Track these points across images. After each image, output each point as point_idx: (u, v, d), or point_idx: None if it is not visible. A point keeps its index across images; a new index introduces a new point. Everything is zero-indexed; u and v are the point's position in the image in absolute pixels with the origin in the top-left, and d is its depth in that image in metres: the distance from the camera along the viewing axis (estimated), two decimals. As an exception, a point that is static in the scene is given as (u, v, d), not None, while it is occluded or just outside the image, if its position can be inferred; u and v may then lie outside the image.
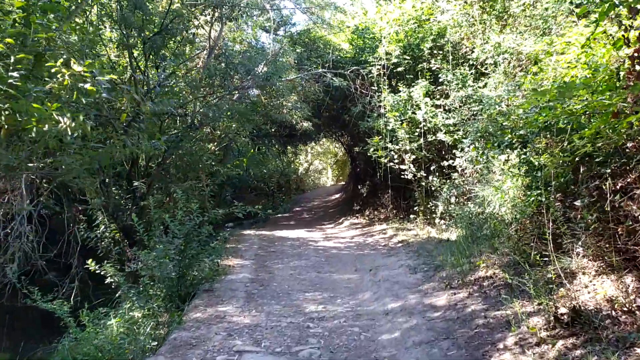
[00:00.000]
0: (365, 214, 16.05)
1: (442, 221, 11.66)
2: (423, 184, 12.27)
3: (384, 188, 15.82)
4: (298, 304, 6.59)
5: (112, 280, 7.24)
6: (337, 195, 23.77)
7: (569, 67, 6.21)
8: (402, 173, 12.42)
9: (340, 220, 16.30)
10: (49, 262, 9.78)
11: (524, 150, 6.29)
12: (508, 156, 7.18)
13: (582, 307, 4.37)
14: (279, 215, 19.89)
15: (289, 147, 22.66)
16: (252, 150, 18.43)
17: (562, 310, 4.45)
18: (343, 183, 28.15)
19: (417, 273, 7.18)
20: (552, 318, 4.39)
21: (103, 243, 10.46)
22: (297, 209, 22.03)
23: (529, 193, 6.33)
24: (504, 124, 7.21)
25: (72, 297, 9.87)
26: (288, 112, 12.87)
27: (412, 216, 13.07)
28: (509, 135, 6.13)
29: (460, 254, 7.36)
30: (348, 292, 7.11)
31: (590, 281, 4.97)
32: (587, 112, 4.67)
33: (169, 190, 9.92)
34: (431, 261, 7.67)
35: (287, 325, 5.66)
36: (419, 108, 12.28)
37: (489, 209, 7.52)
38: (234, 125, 11.61)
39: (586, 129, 4.67)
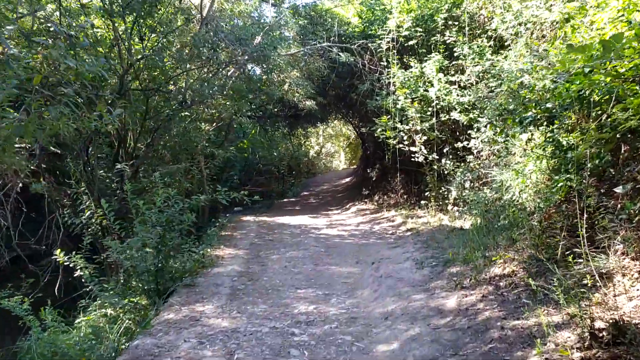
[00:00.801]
0: (374, 199, 15.17)
1: (455, 208, 10.76)
2: (435, 167, 11.34)
3: (394, 172, 14.91)
4: (287, 303, 5.78)
5: (81, 273, 6.51)
6: (348, 179, 22.89)
7: (606, 26, 5.21)
8: (413, 155, 11.50)
9: (347, 206, 15.44)
10: (27, 250, 9.11)
11: (551, 127, 5.35)
12: (531, 134, 6.23)
13: (626, 321, 3.48)
14: (285, 200, 19.11)
15: (299, 129, 21.72)
16: (253, 131, 17.60)
17: (600, 324, 3.57)
18: (354, 167, 27.23)
19: (424, 268, 6.31)
20: (587, 334, 3.50)
21: (89, 230, 9.75)
22: (305, 193, 21.21)
23: (556, 177, 5.41)
24: (526, 97, 6.26)
25: (56, 288, 9.24)
26: (289, 89, 11.95)
27: (423, 202, 12.17)
28: (533, 110, 5.19)
29: (474, 246, 6.47)
30: (345, 289, 6.28)
31: (632, 285, 4.07)
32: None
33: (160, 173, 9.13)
34: (441, 254, 6.79)
35: (270, 331, 4.85)
36: (432, 85, 11.30)
37: (507, 195, 6.60)
38: (228, 103, 10.76)
39: (633, 98, 3.73)
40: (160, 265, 6.45)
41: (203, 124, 11.37)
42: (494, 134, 9.84)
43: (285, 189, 22.13)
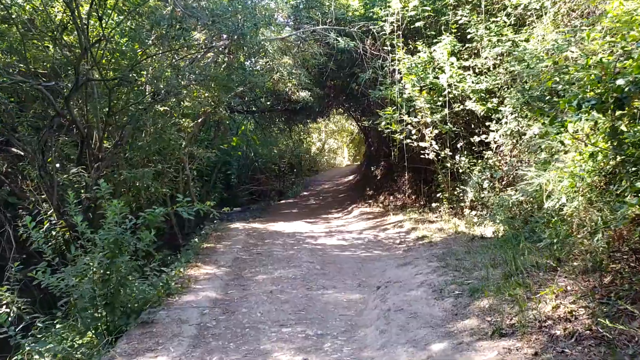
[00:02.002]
0: (379, 200, 13.77)
1: (473, 212, 9.35)
2: (448, 165, 9.91)
3: (400, 170, 13.48)
4: (267, 350, 4.40)
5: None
6: (351, 177, 21.46)
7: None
8: (423, 152, 10.08)
9: (350, 208, 14.03)
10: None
11: (619, 112, 3.92)
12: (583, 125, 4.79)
13: None
14: (283, 201, 17.74)
15: (297, 124, 20.26)
16: (242, 127, 16.21)
17: None
18: (358, 163, 25.79)
19: (444, 299, 4.90)
20: None
21: (50, 245, 8.37)
22: (305, 193, 19.81)
23: (622, 184, 4.00)
24: (576, 75, 4.84)
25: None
26: (280, 78, 10.54)
27: (434, 204, 10.76)
28: (598, 89, 3.75)
29: (507, 269, 5.07)
30: (343, 327, 4.88)
31: None
32: None
33: (124, 177, 7.75)
34: (465, 277, 5.37)
35: (235, 403, 3.46)
36: (443, 71, 9.87)
37: (549, 202, 5.18)
38: (206, 95, 9.38)
39: None
40: (108, 298, 5.08)
41: (183, 120, 9.97)
42: (518, 126, 8.43)
43: (285, 187, 20.79)
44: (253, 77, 9.98)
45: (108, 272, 5.06)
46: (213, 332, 4.88)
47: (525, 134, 8.20)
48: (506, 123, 8.85)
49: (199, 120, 11.83)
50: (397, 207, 12.55)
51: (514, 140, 8.58)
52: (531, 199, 7.43)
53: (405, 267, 6.47)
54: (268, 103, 14.50)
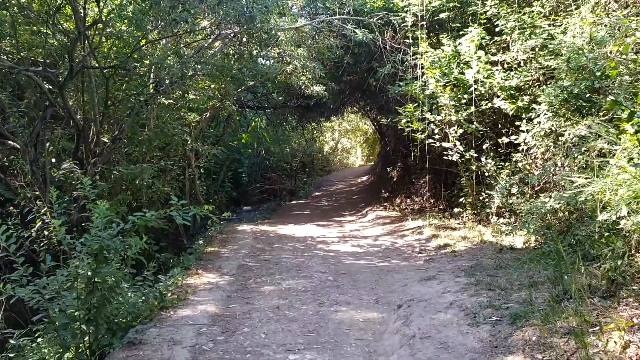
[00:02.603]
0: (395, 202, 13.03)
1: (500, 219, 8.59)
2: (473, 167, 9.15)
3: (419, 171, 12.76)
4: (270, 383, 3.71)
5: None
6: (364, 178, 20.73)
7: None
8: (445, 153, 9.33)
9: (364, 211, 13.31)
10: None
11: None
12: None
13: None
14: (294, 202, 17.08)
15: (310, 122, 19.56)
16: (253, 124, 15.56)
17: None
18: (372, 163, 25.06)
19: (479, 325, 4.17)
20: None
21: (42, 245, 7.78)
22: (317, 193, 19.11)
23: None
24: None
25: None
26: (294, 71, 9.84)
27: (456, 210, 10.01)
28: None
29: (552, 289, 4.34)
30: (360, 357, 4.18)
31: None
32: None
33: (122, 174, 7.12)
34: (501, 298, 4.63)
35: None
36: (469, 66, 9.11)
37: (604, 214, 4.42)
38: (212, 86, 8.72)
39: None
40: (91, 313, 4.43)
41: (189, 114, 9.33)
42: (554, 126, 7.65)
43: (297, 187, 20.15)
44: (263, 67, 9.27)
45: (91, 284, 4.41)
46: (209, 358, 4.20)
47: (562, 135, 7.44)
48: (539, 123, 8.09)
49: (207, 115, 11.20)
50: (415, 210, 11.81)
51: (550, 142, 7.79)
52: (571, 208, 6.68)
53: (429, 282, 5.74)
54: (280, 98, 13.81)
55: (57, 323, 4.32)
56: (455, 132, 9.09)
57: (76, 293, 4.41)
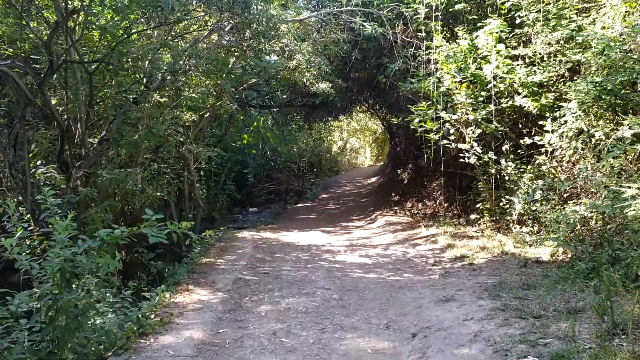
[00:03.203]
0: (406, 207, 12.32)
1: (523, 228, 7.86)
2: (492, 170, 8.42)
3: (431, 174, 12.03)
4: None
5: None
6: (373, 179, 20.01)
7: None
8: (461, 155, 8.62)
9: (373, 216, 12.60)
10: None
11: None
12: None
13: None
14: (300, 205, 16.41)
15: (316, 122, 18.87)
16: (255, 124, 14.91)
17: None
18: (381, 164, 24.32)
19: (513, 366, 3.47)
20: None
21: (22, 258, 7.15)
22: (324, 195, 18.42)
23: None
24: None
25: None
26: (297, 67, 9.15)
27: (472, 216, 9.28)
28: None
29: (598, 318, 3.63)
30: (369, 403, 3.49)
31: None
32: None
33: (104, 179, 6.48)
34: (536, 331, 3.90)
35: None
36: (487, 61, 8.39)
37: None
38: (207, 82, 8.05)
39: None
40: (53, 346, 3.79)
41: (186, 113, 8.68)
42: (586, 126, 6.90)
43: (304, 188, 19.53)
44: (261, 61, 8.59)
45: (52, 313, 3.77)
46: (188, 402, 3.53)
47: (593, 136, 6.70)
48: (565, 122, 7.36)
49: (207, 115, 10.55)
50: (427, 216, 11.10)
51: (579, 144, 7.05)
52: (606, 218, 5.96)
53: (447, 305, 5.03)
54: (285, 97, 13.13)
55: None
56: (473, 133, 8.37)
57: (38, 321, 3.79)
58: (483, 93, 8.46)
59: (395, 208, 12.47)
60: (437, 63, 9.02)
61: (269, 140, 17.31)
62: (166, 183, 8.42)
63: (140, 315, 4.65)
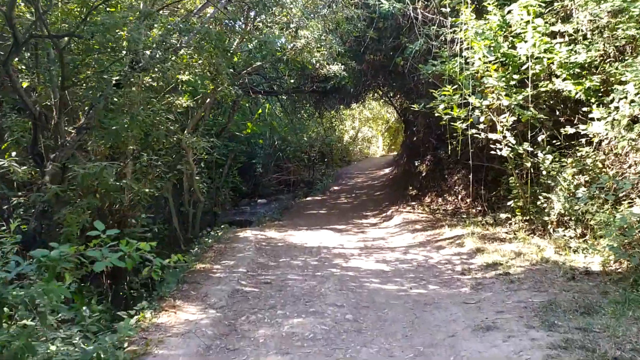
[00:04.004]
0: (425, 202, 11.33)
1: (564, 230, 6.84)
2: (528, 164, 7.39)
3: (453, 166, 11.01)
4: None
5: None
6: (387, 171, 18.98)
7: None
8: (491, 145, 7.59)
9: (389, 212, 11.60)
10: None
11: None
12: None
13: None
14: (309, 198, 15.46)
15: (327, 109, 17.86)
16: (260, 111, 13.94)
17: None
18: (395, 154, 23.25)
19: None
20: None
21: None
22: (335, 187, 17.43)
23: None
24: None
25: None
26: (305, 46, 8.14)
27: (503, 215, 8.26)
28: None
29: None
30: None
31: None
32: None
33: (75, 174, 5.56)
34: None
35: None
36: (522, 40, 7.32)
37: None
38: (199, 62, 7.07)
39: None
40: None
41: (180, 98, 7.73)
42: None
43: (315, 178, 18.66)
44: (263, 35, 7.55)
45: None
46: None
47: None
48: (616, 109, 6.29)
49: (207, 101, 9.60)
50: (449, 213, 10.10)
51: (635, 134, 6.00)
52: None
53: (489, 335, 4.04)
54: (292, 81, 12.11)
55: None
56: (507, 121, 7.32)
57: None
58: (516, 76, 7.42)
59: (413, 203, 11.47)
60: (462, 42, 7.97)
61: (276, 129, 16.34)
62: (158, 177, 7.50)
63: (107, 347, 3.72)
